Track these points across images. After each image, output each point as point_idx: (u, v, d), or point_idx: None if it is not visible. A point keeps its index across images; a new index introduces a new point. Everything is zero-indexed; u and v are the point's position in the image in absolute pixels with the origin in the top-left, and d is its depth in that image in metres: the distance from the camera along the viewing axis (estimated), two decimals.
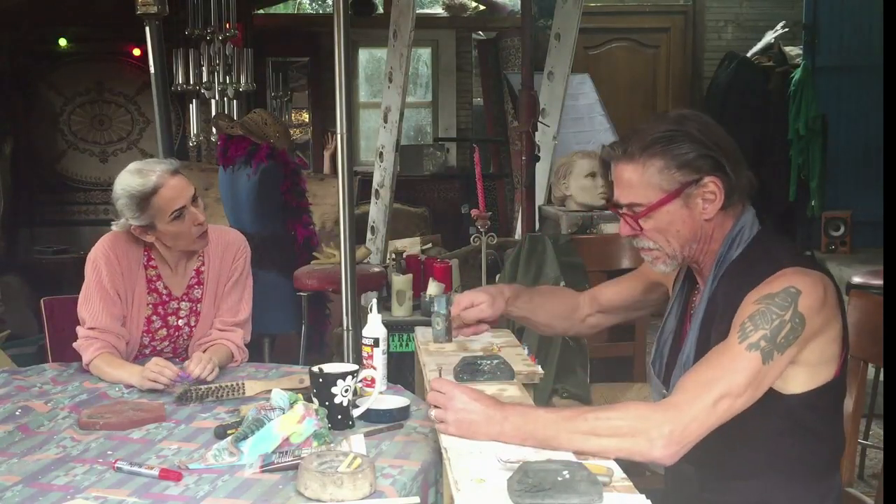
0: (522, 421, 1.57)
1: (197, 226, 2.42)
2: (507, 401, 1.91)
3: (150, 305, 2.50)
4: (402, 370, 3.44)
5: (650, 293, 2.06)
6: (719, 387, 1.55)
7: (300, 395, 1.81)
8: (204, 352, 2.38)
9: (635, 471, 1.77)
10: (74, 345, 2.44)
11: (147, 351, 2.53)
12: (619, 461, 1.52)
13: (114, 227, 2.49)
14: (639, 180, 1.71)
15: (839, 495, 1.81)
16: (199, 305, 2.54)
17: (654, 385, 1.90)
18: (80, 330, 2.44)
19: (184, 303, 2.53)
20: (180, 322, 2.54)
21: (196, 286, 2.54)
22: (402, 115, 5.06)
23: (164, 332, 2.52)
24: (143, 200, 2.36)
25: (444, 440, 1.61)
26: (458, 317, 2.05)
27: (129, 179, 2.38)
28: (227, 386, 2.18)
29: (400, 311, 3.94)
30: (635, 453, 1.52)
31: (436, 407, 1.63)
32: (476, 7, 8.33)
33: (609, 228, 4.41)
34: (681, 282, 1.90)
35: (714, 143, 1.70)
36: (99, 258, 2.45)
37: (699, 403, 1.53)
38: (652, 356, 1.91)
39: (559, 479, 1.35)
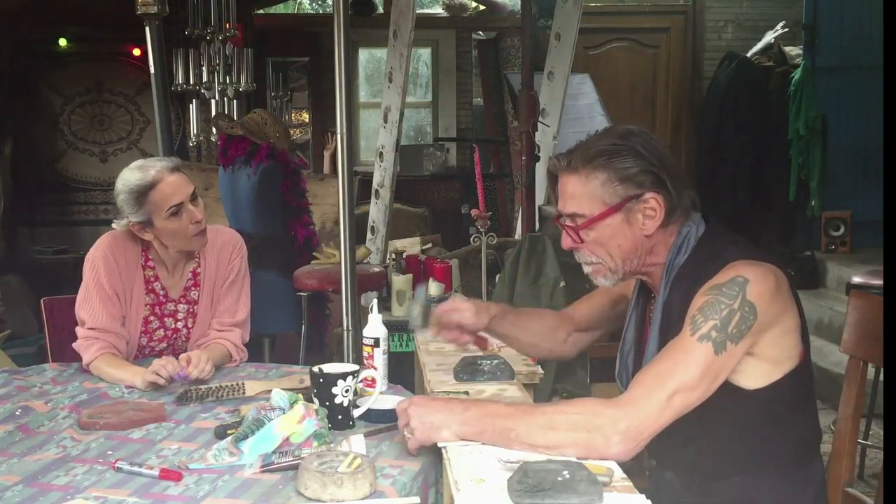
0: (482, 412, 1.59)
1: (194, 224, 2.40)
2: (508, 401, 1.93)
3: (148, 306, 2.50)
4: (402, 370, 3.44)
5: (617, 305, 2.06)
6: (673, 381, 1.55)
7: (300, 395, 1.81)
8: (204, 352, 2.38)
9: (636, 471, 1.77)
10: (74, 345, 2.44)
11: (146, 352, 2.53)
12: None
13: (114, 226, 2.49)
14: (582, 192, 1.73)
15: (822, 481, 1.81)
16: (195, 307, 2.54)
17: None
18: (79, 330, 2.43)
19: (181, 305, 2.53)
20: (178, 324, 2.53)
21: (193, 288, 2.54)
22: (402, 115, 5.06)
23: (161, 332, 2.52)
24: (142, 195, 2.36)
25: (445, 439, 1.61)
26: (437, 316, 2.04)
27: (129, 175, 2.40)
28: (227, 386, 2.18)
29: (400, 311, 3.94)
30: (591, 450, 1.52)
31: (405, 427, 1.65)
32: (476, 7, 8.32)
33: None
34: (636, 292, 1.91)
35: (658, 160, 1.72)
36: (97, 258, 2.44)
37: (654, 399, 1.54)
38: (617, 369, 1.91)
39: (559, 479, 1.35)
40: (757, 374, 1.66)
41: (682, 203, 1.73)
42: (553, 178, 1.81)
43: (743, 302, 1.59)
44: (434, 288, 3.95)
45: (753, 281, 1.61)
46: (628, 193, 1.70)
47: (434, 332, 2.06)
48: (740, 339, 1.60)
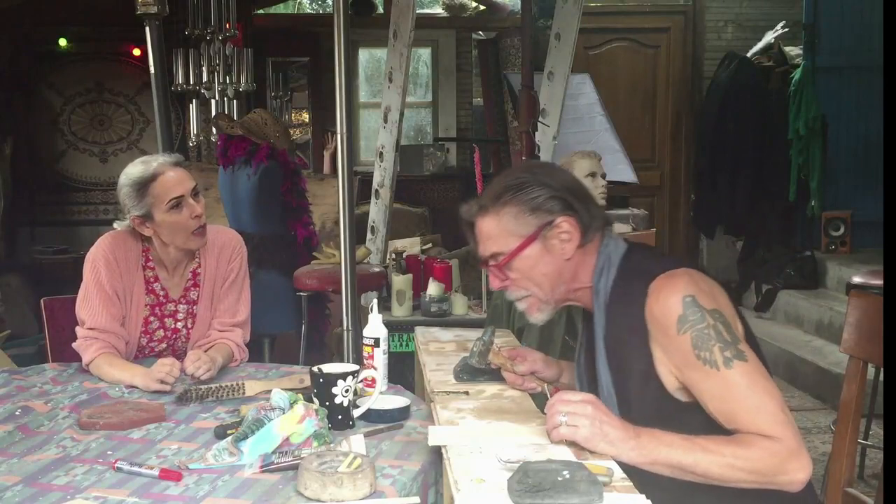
0: (655, 441, 1.56)
1: (194, 218, 2.40)
2: (507, 401, 1.93)
3: (148, 306, 2.50)
4: (402, 370, 3.44)
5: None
6: (769, 403, 1.57)
7: (300, 396, 1.81)
8: (206, 351, 2.38)
9: (636, 471, 1.77)
10: (74, 345, 2.44)
11: (146, 352, 2.53)
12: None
13: (116, 226, 2.49)
14: (496, 230, 1.77)
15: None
16: (195, 307, 2.54)
17: None
18: (79, 330, 2.43)
19: (181, 305, 2.53)
20: (178, 324, 2.53)
21: (193, 288, 2.54)
22: (402, 115, 5.06)
23: (161, 333, 2.52)
24: (143, 187, 2.38)
25: (446, 440, 1.61)
26: (505, 360, 2.02)
27: (131, 169, 2.43)
28: (227, 386, 2.18)
29: (400, 311, 3.95)
30: (776, 485, 1.55)
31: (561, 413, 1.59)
32: (476, 7, 8.32)
33: None
34: (582, 318, 1.92)
35: (562, 186, 1.76)
36: (97, 258, 2.44)
37: (783, 421, 1.56)
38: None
39: (559, 479, 1.35)
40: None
41: (595, 222, 1.77)
42: (469, 227, 1.84)
43: (710, 313, 1.62)
44: (434, 288, 3.96)
45: (695, 292, 1.63)
46: (541, 221, 1.74)
47: (510, 381, 2.03)
48: (740, 338, 1.63)
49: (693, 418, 1.65)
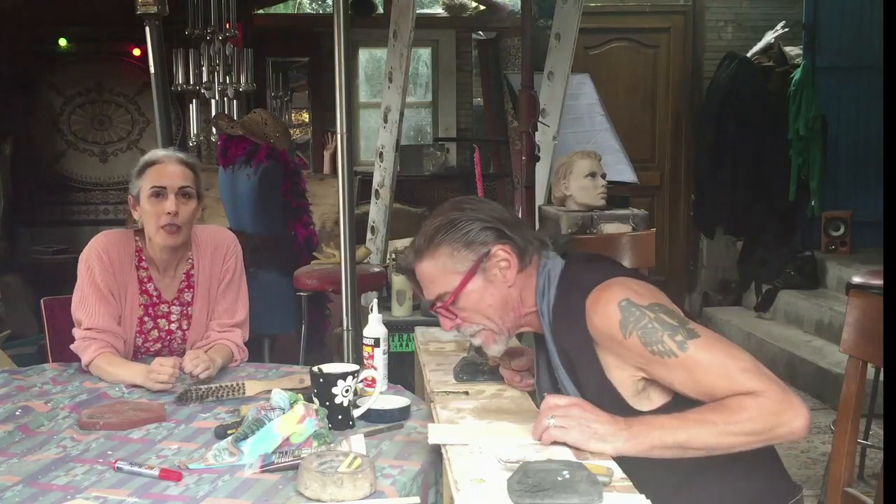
0: (647, 426, 1.58)
1: (165, 215, 2.40)
2: (507, 400, 1.93)
3: (142, 306, 2.50)
4: (402, 370, 3.44)
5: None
6: (736, 367, 1.58)
7: (300, 396, 1.81)
8: (206, 352, 2.38)
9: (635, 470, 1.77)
10: (72, 347, 2.44)
11: (141, 352, 2.52)
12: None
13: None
14: (436, 272, 1.80)
15: (770, 455, 1.80)
16: (190, 309, 2.54)
17: None
18: (76, 332, 2.43)
19: (174, 306, 2.53)
20: (172, 326, 2.53)
21: (186, 289, 2.54)
22: (402, 115, 5.06)
23: (155, 333, 2.52)
24: (142, 169, 2.46)
25: (447, 440, 1.61)
26: (504, 359, 2.02)
27: (148, 152, 2.53)
28: (227, 386, 2.18)
29: (400, 311, 3.95)
30: (779, 438, 1.57)
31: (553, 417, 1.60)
32: (476, 7, 8.32)
33: (609, 228, 4.41)
34: (535, 342, 1.93)
35: (491, 216, 1.79)
36: (91, 258, 2.45)
37: (769, 378, 1.57)
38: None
39: (559, 479, 1.35)
40: (656, 394, 1.70)
41: (531, 246, 1.80)
42: (411, 275, 1.87)
43: (647, 308, 1.64)
44: None
45: (628, 296, 1.65)
46: (476, 255, 1.77)
47: (508, 378, 2.04)
48: (686, 320, 1.65)
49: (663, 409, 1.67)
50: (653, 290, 1.71)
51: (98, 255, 2.44)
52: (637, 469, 1.53)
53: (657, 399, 1.70)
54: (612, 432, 1.56)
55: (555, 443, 1.58)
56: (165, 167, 2.44)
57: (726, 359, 1.60)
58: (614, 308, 1.65)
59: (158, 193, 2.41)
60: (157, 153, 2.50)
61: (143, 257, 2.50)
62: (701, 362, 1.60)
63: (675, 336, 1.61)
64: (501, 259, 1.77)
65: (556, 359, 1.78)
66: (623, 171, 5.81)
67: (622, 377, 1.68)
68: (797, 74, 6.48)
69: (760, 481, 1.74)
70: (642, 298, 1.66)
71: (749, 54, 7.20)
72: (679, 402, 1.67)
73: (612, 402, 1.67)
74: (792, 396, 1.57)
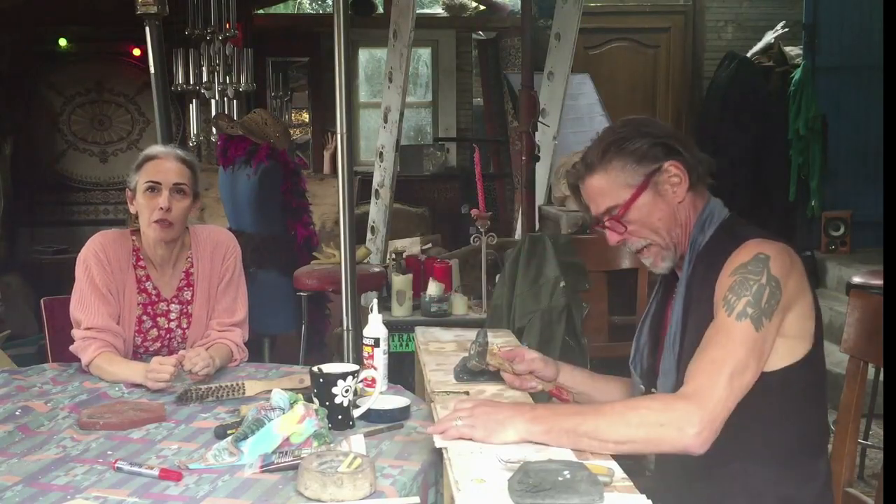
0: (550, 411, 1.61)
1: (157, 210, 2.41)
2: (508, 400, 1.93)
3: (140, 305, 2.50)
4: (402, 370, 3.44)
5: None
6: (727, 365, 1.59)
7: (300, 396, 1.81)
8: (206, 350, 2.38)
9: (636, 470, 1.77)
10: (71, 348, 2.43)
11: (141, 352, 2.52)
12: (618, 460, 1.52)
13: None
14: (607, 185, 1.81)
15: (828, 481, 1.81)
16: (189, 307, 2.54)
17: (634, 384, 1.95)
18: (75, 332, 2.43)
19: (173, 305, 2.53)
20: (171, 324, 2.53)
21: (186, 288, 2.54)
22: (402, 115, 5.07)
23: (154, 332, 2.52)
24: (141, 163, 2.49)
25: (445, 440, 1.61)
26: (502, 361, 2.02)
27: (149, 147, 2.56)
28: (227, 386, 2.17)
29: (400, 311, 3.94)
30: (665, 443, 1.56)
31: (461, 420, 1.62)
32: (476, 7, 8.32)
33: None
34: (659, 283, 1.95)
35: (661, 133, 1.81)
36: (89, 258, 2.45)
37: (718, 386, 1.57)
38: (632, 356, 1.95)
39: (560, 479, 1.35)
40: (774, 352, 1.68)
41: (700, 166, 1.80)
42: (576, 191, 1.89)
43: (769, 277, 1.64)
44: (434, 288, 3.96)
45: (773, 257, 1.66)
46: (648, 169, 1.78)
47: (509, 380, 2.03)
48: (772, 314, 1.64)
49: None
50: (798, 278, 1.69)
51: (95, 255, 2.45)
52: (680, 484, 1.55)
53: (776, 354, 1.68)
54: (511, 416, 1.59)
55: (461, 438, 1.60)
56: (163, 163, 2.46)
57: (727, 360, 1.60)
58: (753, 253, 1.66)
59: (153, 188, 2.43)
60: (157, 148, 2.52)
61: (141, 256, 2.51)
62: (723, 337, 1.61)
63: (749, 308, 1.61)
64: (673, 175, 1.78)
65: (681, 292, 1.78)
66: None
67: None
68: (797, 74, 6.49)
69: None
70: (779, 270, 1.65)
71: (749, 54, 7.21)
72: (808, 368, 1.74)
73: None
74: (712, 422, 1.55)
